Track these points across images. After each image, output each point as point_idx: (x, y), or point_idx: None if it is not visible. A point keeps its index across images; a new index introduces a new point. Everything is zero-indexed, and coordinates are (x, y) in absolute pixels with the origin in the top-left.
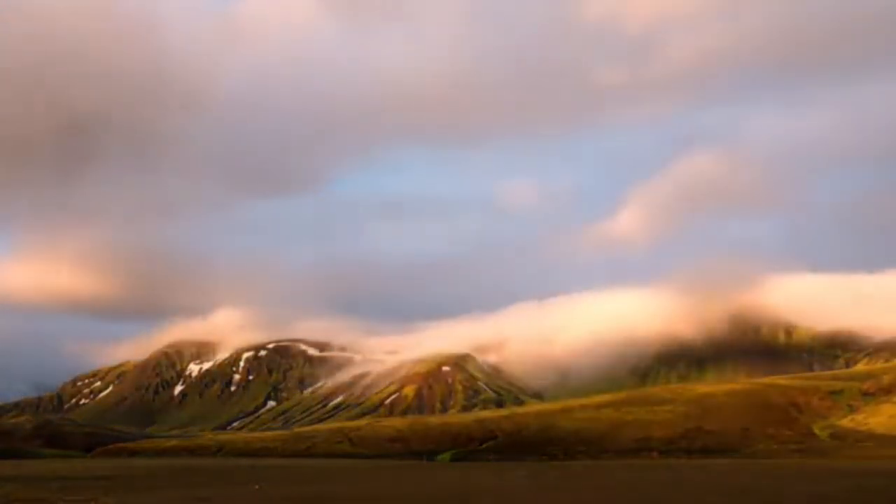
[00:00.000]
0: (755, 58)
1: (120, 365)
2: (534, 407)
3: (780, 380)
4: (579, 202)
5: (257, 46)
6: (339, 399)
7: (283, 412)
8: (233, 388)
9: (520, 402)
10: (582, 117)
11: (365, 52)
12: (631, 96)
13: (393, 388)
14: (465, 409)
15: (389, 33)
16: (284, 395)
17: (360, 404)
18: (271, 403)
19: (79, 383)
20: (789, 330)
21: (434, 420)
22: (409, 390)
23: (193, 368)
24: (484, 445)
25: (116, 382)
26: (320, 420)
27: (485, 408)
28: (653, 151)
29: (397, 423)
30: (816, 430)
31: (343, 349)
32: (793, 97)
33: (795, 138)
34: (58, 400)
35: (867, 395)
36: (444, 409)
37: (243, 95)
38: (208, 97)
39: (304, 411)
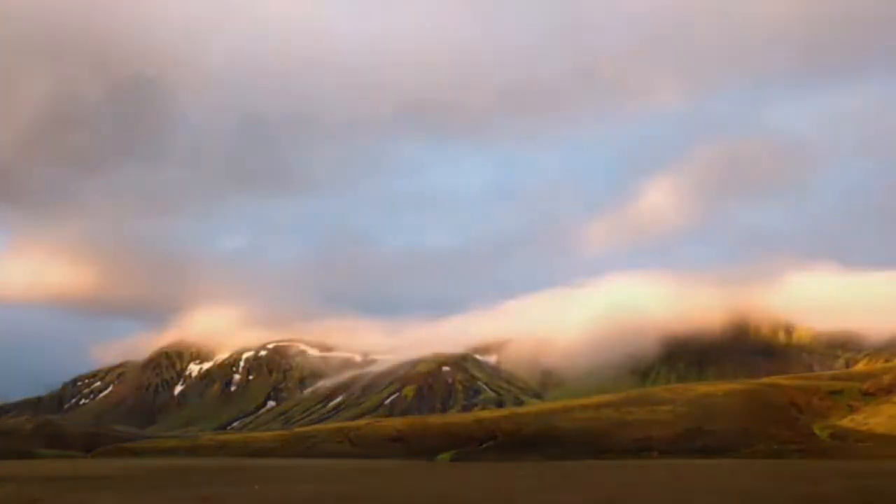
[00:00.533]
0: (776, 42)
1: (120, 365)
2: (534, 407)
3: (780, 380)
4: (585, 193)
5: (257, 34)
6: (339, 399)
7: (283, 412)
8: (233, 388)
9: (520, 402)
10: (591, 106)
11: (364, 43)
12: (643, 84)
13: (393, 388)
14: (465, 409)
15: (390, 23)
16: (284, 395)
17: (360, 404)
18: (271, 403)
19: (79, 383)
20: (789, 330)
21: (434, 420)
22: (409, 390)
23: (193, 368)
24: (484, 445)
25: (116, 382)
26: (320, 420)
27: (485, 408)
28: (662, 142)
29: (397, 423)
30: (816, 430)
31: (343, 349)
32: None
33: (804, 131)
34: (58, 400)
35: (867, 395)
36: (444, 409)
37: (244, 88)
38: (207, 89)
39: (304, 411)
